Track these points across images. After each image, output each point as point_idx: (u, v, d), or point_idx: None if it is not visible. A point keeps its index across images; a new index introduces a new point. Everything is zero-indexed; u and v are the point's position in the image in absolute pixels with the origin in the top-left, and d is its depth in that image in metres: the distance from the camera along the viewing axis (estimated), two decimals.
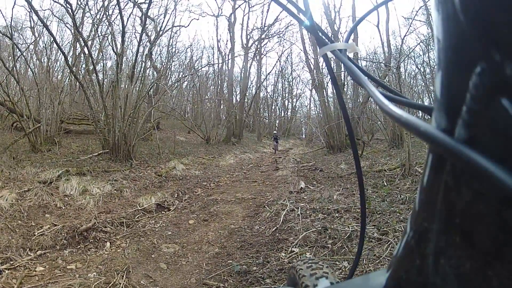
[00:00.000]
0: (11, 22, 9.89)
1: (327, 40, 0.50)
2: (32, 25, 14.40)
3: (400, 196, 4.69)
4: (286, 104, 38.56)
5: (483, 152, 0.20)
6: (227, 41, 26.00)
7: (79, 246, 3.72)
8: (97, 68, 10.48)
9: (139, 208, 5.05)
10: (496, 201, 0.21)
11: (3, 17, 15.79)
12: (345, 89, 15.32)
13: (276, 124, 37.26)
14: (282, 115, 38.04)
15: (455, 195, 0.24)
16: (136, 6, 12.54)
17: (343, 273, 2.78)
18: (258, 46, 25.21)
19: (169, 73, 21.24)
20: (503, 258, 0.21)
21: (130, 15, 13.62)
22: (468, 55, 0.22)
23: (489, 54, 0.20)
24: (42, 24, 9.46)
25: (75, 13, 10.67)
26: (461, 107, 0.23)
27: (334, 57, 0.48)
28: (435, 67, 0.28)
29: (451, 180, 0.25)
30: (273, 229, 4.05)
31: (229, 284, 2.89)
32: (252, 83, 29.85)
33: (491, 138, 0.21)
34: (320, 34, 0.50)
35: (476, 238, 0.23)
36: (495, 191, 0.20)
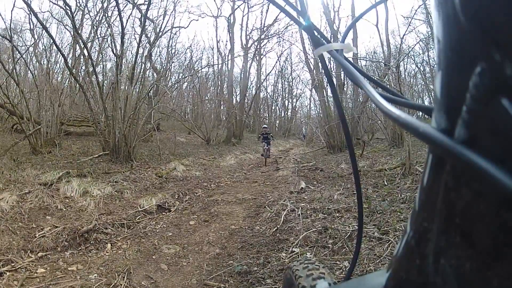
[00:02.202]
0: (10, 25, 9.90)
1: (323, 40, 0.50)
2: (32, 27, 14.43)
3: (401, 195, 4.69)
4: (286, 104, 38.59)
5: (483, 152, 0.20)
6: (226, 41, 26.05)
7: (80, 248, 3.72)
8: (97, 69, 10.48)
9: (139, 209, 5.05)
10: (496, 201, 0.21)
11: (3, 19, 15.84)
12: (344, 89, 15.29)
13: (276, 124, 37.24)
14: (282, 115, 38.04)
15: (455, 195, 0.24)
16: (135, 8, 12.54)
17: (343, 273, 2.78)
18: (258, 47, 25.21)
19: (169, 74, 21.25)
20: (503, 258, 0.21)
21: (129, 17, 13.63)
22: (468, 55, 0.22)
23: (489, 54, 0.20)
24: (41, 26, 9.46)
25: (74, 15, 10.67)
26: (461, 107, 0.22)
27: (331, 58, 0.48)
28: (435, 67, 0.28)
29: (451, 180, 0.25)
30: (274, 229, 4.04)
31: (230, 284, 2.89)
32: (252, 84, 29.88)
33: (491, 138, 0.21)
34: (316, 34, 0.50)
35: (476, 239, 0.23)
36: (495, 192, 0.20)
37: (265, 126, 14.83)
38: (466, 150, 0.20)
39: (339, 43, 0.48)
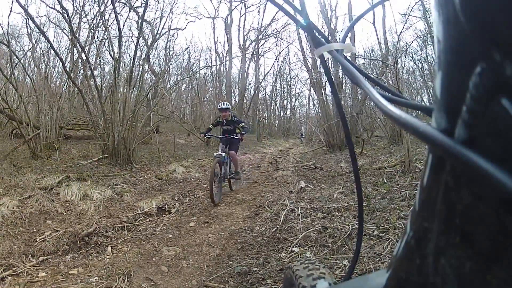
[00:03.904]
0: (8, 30, 9.88)
1: (323, 40, 0.50)
2: (29, 32, 14.42)
3: (400, 193, 4.68)
4: (285, 104, 38.60)
5: (483, 153, 0.20)
6: (224, 42, 26.06)
7: (80, 251, 3.71)
8: (95, 73, 10.48)
9: (139, 211, 5.04)
10: (496, 202, 0.21)
11: (0, 24, 15.76)
12: (343, 87, 15.29)
13: (276, 124, 37.24)
14: (282, 115, 38.06)
15: (455, 195, 0.24)
16: (132, 10, 12.54)
17: (343, 271, 2.78)
18: (256, 47, 25.26)
19: (167, 76, 21.25)
20: (504, 259, 0.21)
21: (126, 20, 13.64)
22: (468, 55, 0.22)
23: (489, 54, 0.20)
24: (39, 31, 9.46)
25: (71, 19, 10.67)
26: (461, 107, 0.23)
27: (331, 57, 0.49)
28: (435, 67, 0.28)
29: (451, 180, 0.25)
30: (273, 229, 4.04)
31: (230, 285, 2.89)
32: (250, 84, 29.92)
33: (491, 139, 0.21)
34: (316, 34, 0.50)
35: (476, 239, 0.23)
36: (495, 192, 0.21)
37: (225, 105, 6.72)
38: (466, 150, 0.20)
39: (340, 43, 0.48)
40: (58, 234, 3.88)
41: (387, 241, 3.20)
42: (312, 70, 16.09)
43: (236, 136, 6.42)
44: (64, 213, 4.67)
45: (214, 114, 21.46)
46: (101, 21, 12.80)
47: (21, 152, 7.99)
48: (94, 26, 13.50)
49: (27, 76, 11.46)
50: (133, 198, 5.80)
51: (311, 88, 19.51)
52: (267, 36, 25.28)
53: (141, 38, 11.30)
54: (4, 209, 4.21)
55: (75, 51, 12.72)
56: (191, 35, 57.74)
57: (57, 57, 10.41)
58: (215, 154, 5.95)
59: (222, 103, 6.80)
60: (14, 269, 3.14)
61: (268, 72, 34.83)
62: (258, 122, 29.94)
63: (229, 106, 6.75)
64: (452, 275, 0.25)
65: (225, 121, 6.68)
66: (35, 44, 14.21)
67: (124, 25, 12.31)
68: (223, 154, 5.99)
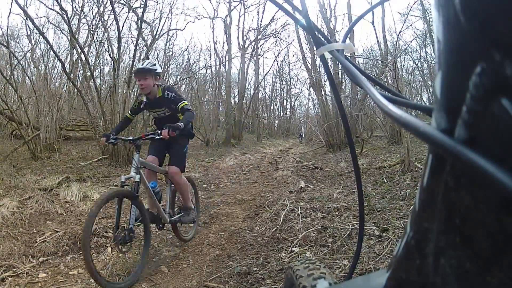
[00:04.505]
0: (7, 31, 9.90)
1: (324, 40, 0.50)
2: (29, 33, 14.41)
3: (400, 193, 4.68)
4: (285, 104, 38.58)
5: (483, 153, 0.20)
6: (223, 42, 25.99)
7: (80, 252, 3.71)
8: (94, 74, 10.48)
9: None
10: (496, 201, 0.21)
11: None
12: (343, 87, 15.29)
13: (276, 124, 37.22)
14: (281, 115, 38.04)
15: (455, 196, 0.24)
16: (131, 11, 12.52)
17: (343, 271, 2.78)
18: (255, 47, 25.25)
19: (167, 76, 21.21)
20: (503, 259, 0.21)
21: (125, 20, 13.63)
22: (468, 55, 0.22)
23: (489, 54, 0.20)
24: (38, 32, 9.46)
25: (71, 20, 10.67)
26: (461, 107, 0.23)
27: (331, 57, 0.49)
28: (435, 67, 0.28)
29: (451, 180, 0.25)
30: (273, 229, 4.04)
31: (230, 285, 2.89)
32: (250, 84, 29.89)
33: (491, 138, 0.21)
34: (317, 34, 0.50)
35: (476, 239, 0.23)
36: (495, 192, 0.21)
37: (144, 65, 3.39)
38: (466, 149, 0.20)
39: (341, 43, 0.48)
40: (58, 235, 3.88)
41: (387, 240, 3.20)
42: (312, 70, 16.08)
43: (159, 135, 3.22)
44: (64, 214, 4.66)
45: (214, 115, 21.21)
46: (100, 22, 12.80)
47: (21, 153, 7.98)
48: (94, 27, 13.48)
49: (27, 77, 11.48)
50: None
51: (311, 88, 19.47)
52: (266, 36, 25.28)
53: (140, 38, 11.30)
54: (4, 210, 4.21)
55: (75, 52, 12.72)
56: (190, 35, 57.89)
57: (56, 58, 10.43)
58: (122, 178, 3.24)
59: (141, 62, 3.94)
60: (14, 270, 3.14)
61: (267, 72, 34.87)
62: (258, 122, 29.94)
63: (155, 67, 3.46)
64: (452, 275, 0.25)
65: (146, 101, 3.66)
66: (35, 45, 14.20)
67: (123, 25, 12.32)
68: (138, 177, 3.24)
